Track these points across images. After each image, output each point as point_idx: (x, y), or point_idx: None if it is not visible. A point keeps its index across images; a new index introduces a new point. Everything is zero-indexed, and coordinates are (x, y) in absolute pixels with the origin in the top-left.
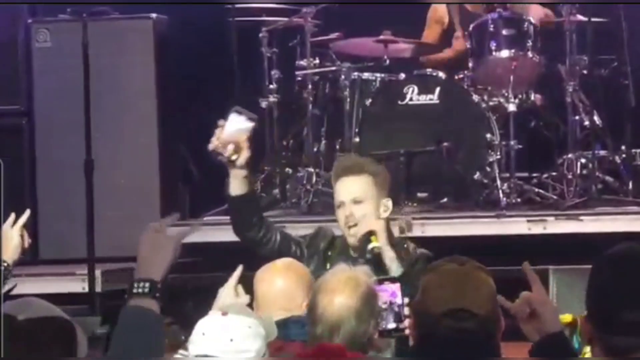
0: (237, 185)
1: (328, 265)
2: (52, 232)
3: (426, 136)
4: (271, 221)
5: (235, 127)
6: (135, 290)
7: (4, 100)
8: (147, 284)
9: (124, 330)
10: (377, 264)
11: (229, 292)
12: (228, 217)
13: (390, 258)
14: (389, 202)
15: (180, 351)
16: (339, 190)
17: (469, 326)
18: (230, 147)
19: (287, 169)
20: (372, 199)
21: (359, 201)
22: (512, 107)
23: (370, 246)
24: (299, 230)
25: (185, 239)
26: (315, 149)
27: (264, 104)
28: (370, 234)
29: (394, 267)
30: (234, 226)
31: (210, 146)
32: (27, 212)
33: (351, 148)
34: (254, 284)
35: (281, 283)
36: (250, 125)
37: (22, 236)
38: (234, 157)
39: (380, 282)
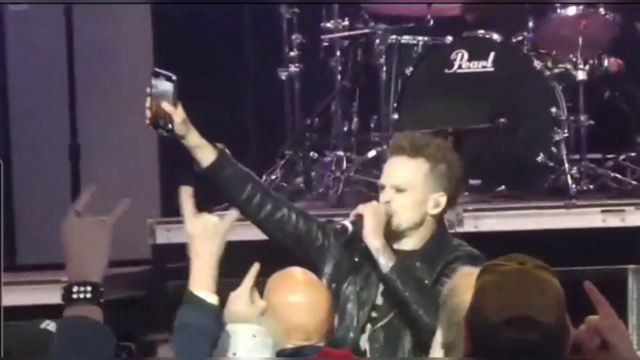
0: (199, 155)
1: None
2: (31, 232)
3: (479, 111)
4: (275, 193)
5: (156, 93)
6: (74, 296)
7: None
8: (87, 288)
9: (62, 347)
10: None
11: (243, 297)
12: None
13: (376, 249)
14: (442, 198)
15: None
16: (385, 171)
17: (533, 337)
18: (164, 117)
19: (312, 154)
20: (420, 189)
21: (402, 190)
22: (581, 75)
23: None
24: None
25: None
26: (345, 129)
27: (283, 76)
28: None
29: (383, 261)
30: (232, 203)
31: (147, 121)
32: None
33: (388, 126)
34: (267, 296)
35: (308, 307)
36: (168, 86)
37: None
38: (169, 127)
39: None
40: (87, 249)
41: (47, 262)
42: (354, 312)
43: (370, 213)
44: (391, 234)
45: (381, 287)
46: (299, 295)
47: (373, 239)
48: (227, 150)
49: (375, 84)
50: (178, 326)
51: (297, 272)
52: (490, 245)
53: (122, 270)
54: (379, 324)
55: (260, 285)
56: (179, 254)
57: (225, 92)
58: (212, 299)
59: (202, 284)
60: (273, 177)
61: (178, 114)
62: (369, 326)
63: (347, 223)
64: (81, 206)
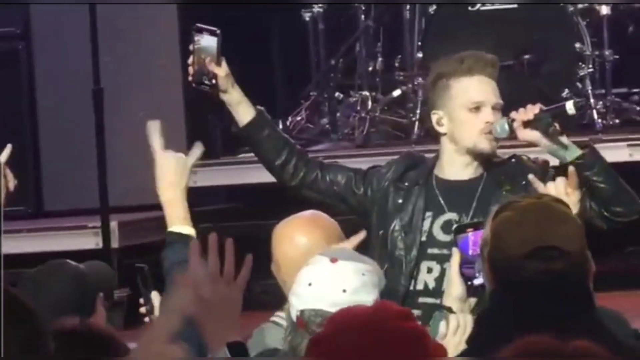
0: (238, 113)
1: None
2: (57, 177)
3: (503, 48)
4: (308, 155)
5: (199, 49)
6: None
7: None
8: None
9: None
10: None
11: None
12: None
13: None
14: None
15: (277, 313)
16: (476, 88)
17: (559, 267)
18: (208, 72)
19: (337, 94)
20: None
21: (499, 109)
22: (605, 10)
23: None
24: (354, 166)
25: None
26: (370, 69)
27: (307, 16)
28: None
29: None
30: (266, 165)
31: (189, 78)
32: (9, 148)
33: (413, 65)
34: (274, 243)
35: (318, 248)
36: (212, 40)
37: (5, 177)
38: (213, 82)
39: (463, 229)
40: None
41: (74, 208)
42: (401, 257)
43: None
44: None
45: (427, 225)
46: (301, 233)
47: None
48: (265, 112)
49: (399, 23)
50: (166, 269)
51: (305, 214)
52: None
53: (149, 214)
54: (430, 262)
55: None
56: (207, 197)
57: (250, 34)
58: (188, 230)
59: (177, 218)
60: (298, 118)
61: (222, 69)
62: (422, 265)
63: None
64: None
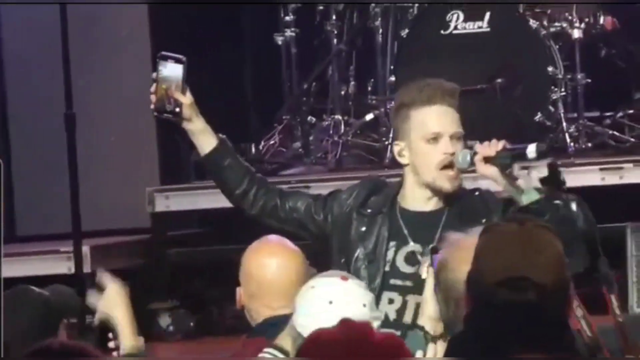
0: (200, 142)
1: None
2: (30, 203)
3: (475, 72)
4: (269, 183)
5: (162, 77)
6: None
7: None
8: None
9: None
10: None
11: None
12: None
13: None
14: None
15: (267, 349)
16: (434, 119)
17: (530, 298)
18: (171, 101)
19: (309, 118)
20: (461, 137)
21: (459, 138)
22: (577, 34)
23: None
24: (326, 190)
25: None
26: (342, 92)
27: (279, 40)
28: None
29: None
30: (226, 194)
31: (152, 106)
32: None
33: (385, 89)
34: (244, 262)
35: (290, 269)
36: (178, 68)
37: None
38: (177, 111)
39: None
40: None
41: (46, 232)
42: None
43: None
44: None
45: (390, 255)
46: (272, 255)
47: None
48: (228, 141)
49: (371, 47)
50: None
51: (271, 237)
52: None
53: (121, 239)
54: (391, 293)
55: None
56: (179, 221)
57: (222, 59)
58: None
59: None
60: (271, 142)
61: (187, 97)
62: (383, 296)
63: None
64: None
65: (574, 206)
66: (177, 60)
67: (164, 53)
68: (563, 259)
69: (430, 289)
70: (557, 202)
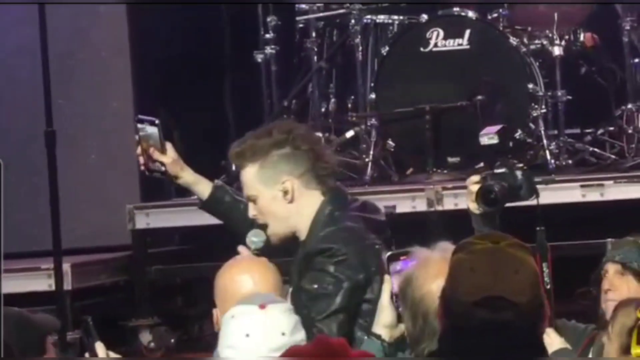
0: (197, 192)
1: None
2: (10, 220)
3: (456, 89)
4: None
5: (144, 137)
6: None
7: None
8: None
9: None
10: None
11: None
12: None
13: None
14: (288, 183)
15: None
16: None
17: (506, 317)
18: (155, 162)
19: None
20: (263, 191)
21: (254, 199)
22: (557, 51)
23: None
24: None
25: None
26: (323, 110)
27: (259, 58)
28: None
29: None
30: (237, 232)
31: (142, 168)
32: None
33: (366, 106)
34: (222, 286)
35: (267, 283)
36: (154, 130)
37: None
38: (163, 169)
39: (396, 257)
40: None
41: (27, 250)
42: None
43: None
44: (286, 239)
45: None
46: (247, 271)
47: None
48: (224, 185)
49: (351, 64)
50: None
51: (243, 255)
52: (469, 223)
53: (102, 256)
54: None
55: None
56: (159, 238)
57: (201, 76)
58: None
59: None
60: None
61: (167, 157)
62: None
63: None
64: None
65: (519, 174)
66: (151, 123)
67: (140, 116)
68: (537, 278)
69: (387, 297)
70: (503, 170)
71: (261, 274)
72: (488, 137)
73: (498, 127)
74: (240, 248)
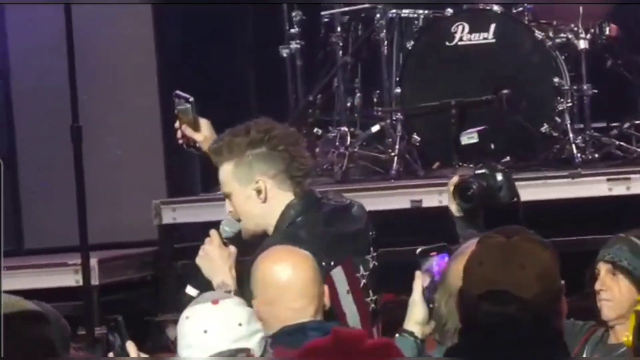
0: None
1: None
2: (37, 216)
3: (481, 83)
4: None
5: (181, 112)
6: None
7: None
8: None
9: None
10: None
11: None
12: None
13: None
14: (261, 183)
15: None
16: None
17: (510, 311)
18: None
19: (315, 130)
20: (238, 188)
21: (228, 195)
22: (583, 44)
23: None
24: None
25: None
26: (348, 104)
27: (284, 53)
28: None
29: None
30: None
31: (179, 142)
32: None
33: (391, 100)
34: (261, 276)
35: (305, 269)
36: (187, 107)
37: None
38: (198, 146)
39: (426, 254)
40: None
41: (54, 245)
42: None
43: None
44: (256, 236)
45: None
46: (284, 259)
47: None
48: None
49: (376, 59)
50: None
51: (278, 246)
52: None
53: (129, 251)
54: None
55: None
56: (185, 234)
57: (227, 71)
58: None
59: None
60: None
61: (200, 134)
62: None
63: None
64: None
65: (499, 176)
66: (186, 100)
67: (177, 92)
68: (549, 272)
69: (418, 293)
70: (484, 171)
71: (299, 262)
72: (468, 136)
73: (479, 127)
74: (212, 232)
